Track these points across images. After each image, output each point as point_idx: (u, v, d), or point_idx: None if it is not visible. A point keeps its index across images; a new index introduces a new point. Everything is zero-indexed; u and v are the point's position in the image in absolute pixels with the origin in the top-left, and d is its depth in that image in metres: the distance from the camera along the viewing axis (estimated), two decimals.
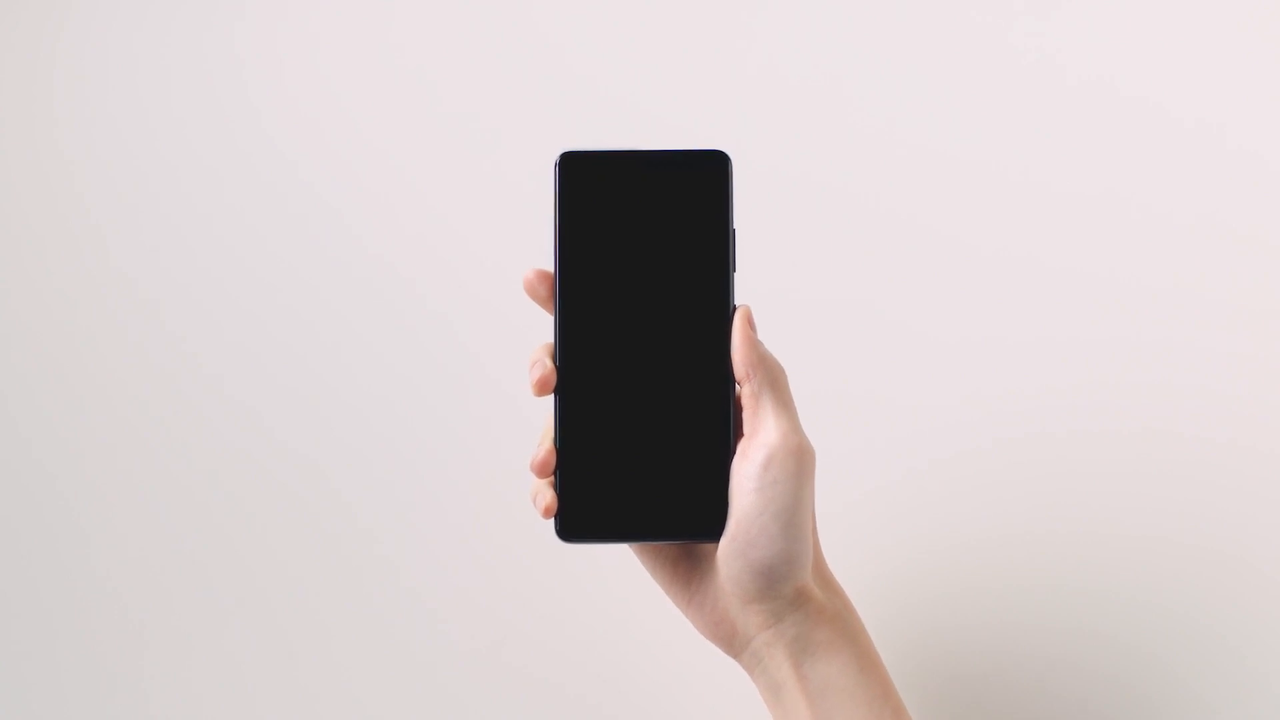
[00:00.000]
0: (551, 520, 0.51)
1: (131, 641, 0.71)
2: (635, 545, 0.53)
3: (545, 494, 0.51)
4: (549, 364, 0.52)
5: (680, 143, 0.71)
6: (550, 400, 0.52)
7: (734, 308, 0.52)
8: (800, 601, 0.50)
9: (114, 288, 0.76)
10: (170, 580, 0.73)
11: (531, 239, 0.72)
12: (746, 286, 0.68)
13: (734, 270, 0.53)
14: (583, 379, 0.51)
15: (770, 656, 0.50)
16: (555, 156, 0.53)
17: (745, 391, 0.51)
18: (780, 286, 0.69)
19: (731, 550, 0.50)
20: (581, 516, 0.51)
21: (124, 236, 0.77)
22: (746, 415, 0.51)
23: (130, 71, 0.78)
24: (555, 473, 0.51)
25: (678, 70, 0.71)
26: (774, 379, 0.51)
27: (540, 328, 0.70)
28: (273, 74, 0.77)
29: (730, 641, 0.51)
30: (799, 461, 0.49)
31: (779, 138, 0.69)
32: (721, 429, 0.51)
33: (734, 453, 0.51)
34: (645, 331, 0.52)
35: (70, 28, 0.79)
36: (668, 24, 0.72)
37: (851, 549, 0.64)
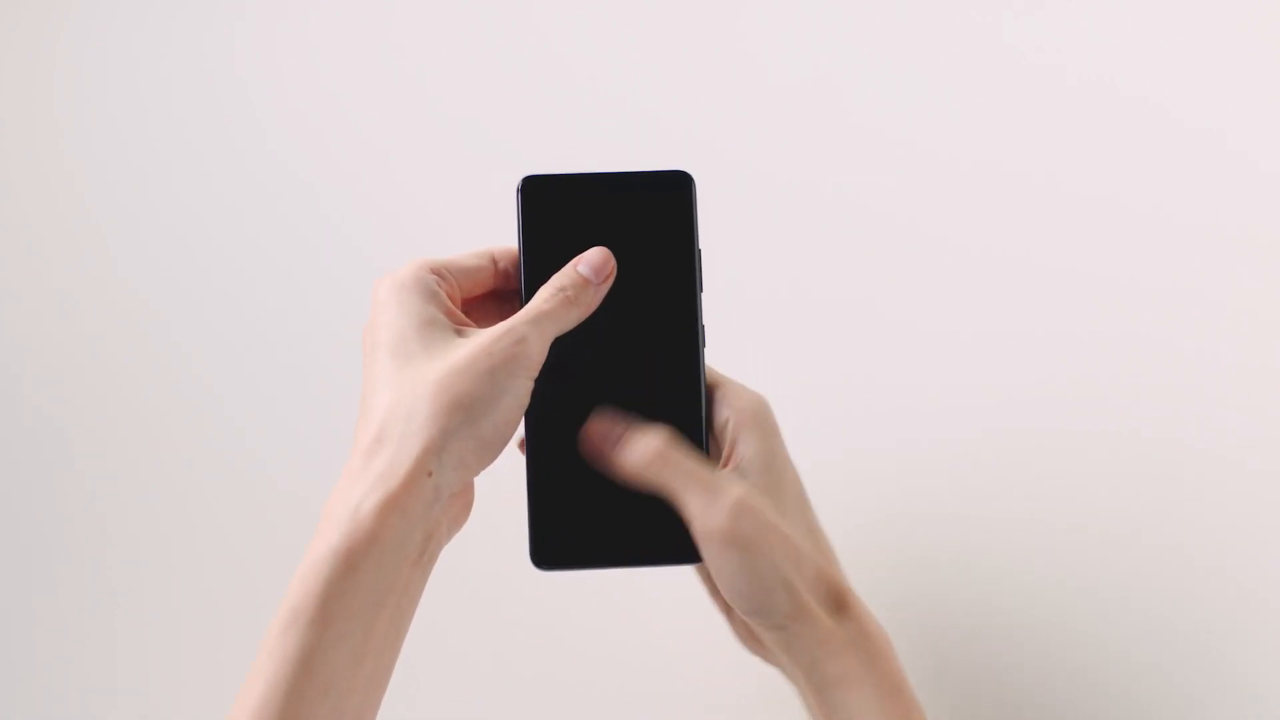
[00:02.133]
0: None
1: (135, 641, 0.72)
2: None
3: None
4: None
5: (681, 143, 0.71)
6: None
7: (703, 327, 0.52)
8: (805, 622, 0.48)
9: (113, 287, 0.76)
10: (167, 582, 0.73)
11: None
12: (748, 286, 0.68)
13: (702, 290, 0.52)
14: (552, 405, 0.50)
15: (794, 680, 0.50)
16: (516, 181, 0.52)
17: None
18: (779, 286, 0.69)
19: (711, 578, 0.50)
20: (556, 545, 0.50)
21: (123, 236, 0.77)
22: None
23: (130, 72, 0.78)
24: (528, 501, 0.51)
25: (678, 70, 0.71)
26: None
27: None
28: (272, 75, 0.76)
29: (764, 656, 0.52)
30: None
31: (778, 138, 0.69)
32: (694, 452, 0.50)
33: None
34: (614, 354, 0.51)
35: (70, 28, 0.79)
36: (668, 24, 0.72)
37: (849, 550, 0.65)
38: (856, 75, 0.69)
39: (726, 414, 0.50)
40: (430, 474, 0.45)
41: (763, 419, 0.50)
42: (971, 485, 0.64)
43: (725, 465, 0.50)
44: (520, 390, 0.47)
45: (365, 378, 0.49)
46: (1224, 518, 0.62)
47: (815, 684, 0.48)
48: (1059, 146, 0.66)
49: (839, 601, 0.49)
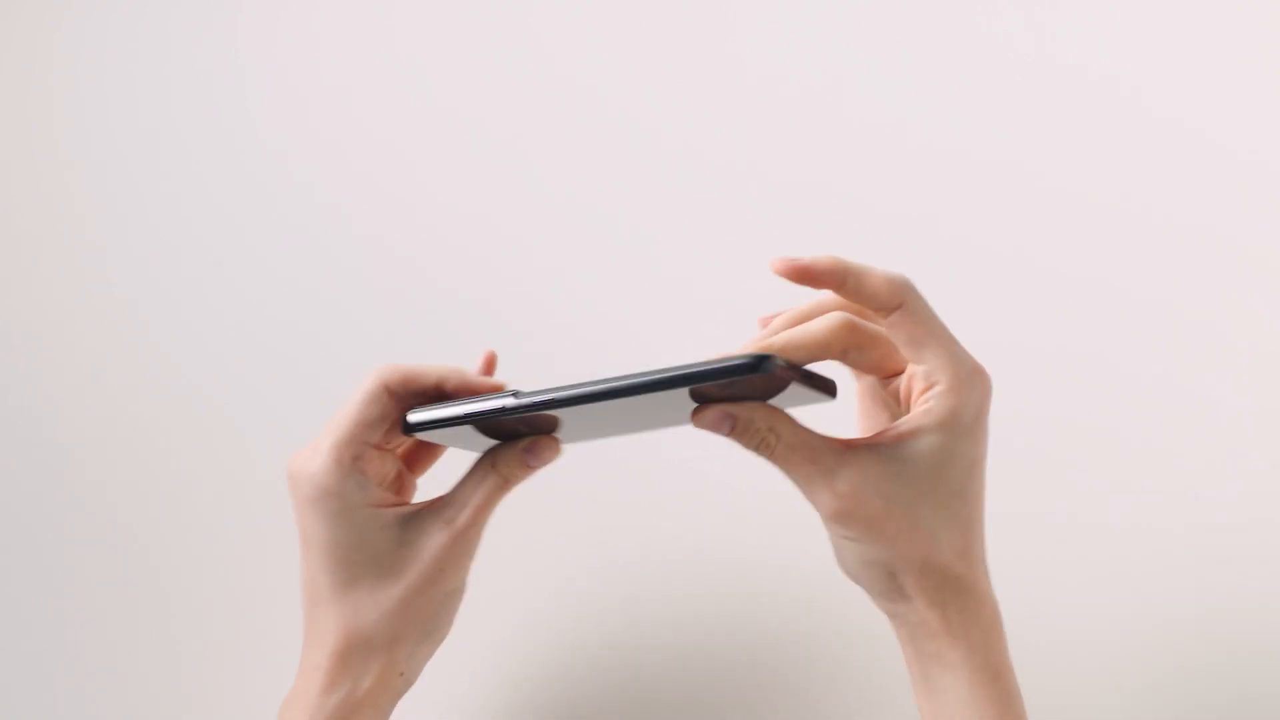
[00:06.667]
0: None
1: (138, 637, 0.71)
2: None
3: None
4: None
5: (681, 143, 0.71)
6: None
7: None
8: (904, 605, 0.50)
9: (112, 287, 0.76)
10: (165, 581, 0.73)
11: (530, 238, 0.72)
12: (751, 286, 0.68)
13: None
14: None
15: (900, 641, 0.51)
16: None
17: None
18: (781, 286, 0.68)
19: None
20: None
21: (122, 237, 0.77)
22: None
23: (128, 72, 0.78)
24: None
25: (677, 70, 0.71)
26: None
27: (533, 324, 0.70)
28: (270, 76, 0.77)
29: None
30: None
31: (778, 138, 0.69)
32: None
33: None
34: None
35: (67, 28, 0.79)
36: (667, 24, 0.72)
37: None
38: (857, 76, 0.69)
39: (931, 367, 0.50)
40: (401, 674, 0.51)
41: (963, 387, 0.50)
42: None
43: (904, 411, 0.50)
44: (466, 576, 0.51)
45: (305, 573, 0.50)
46: (1222, 518, 0.62)
47: (912, 655, 0.50)
48: (1060, 149, 0.66)
49: (951, 588, 0.50)
